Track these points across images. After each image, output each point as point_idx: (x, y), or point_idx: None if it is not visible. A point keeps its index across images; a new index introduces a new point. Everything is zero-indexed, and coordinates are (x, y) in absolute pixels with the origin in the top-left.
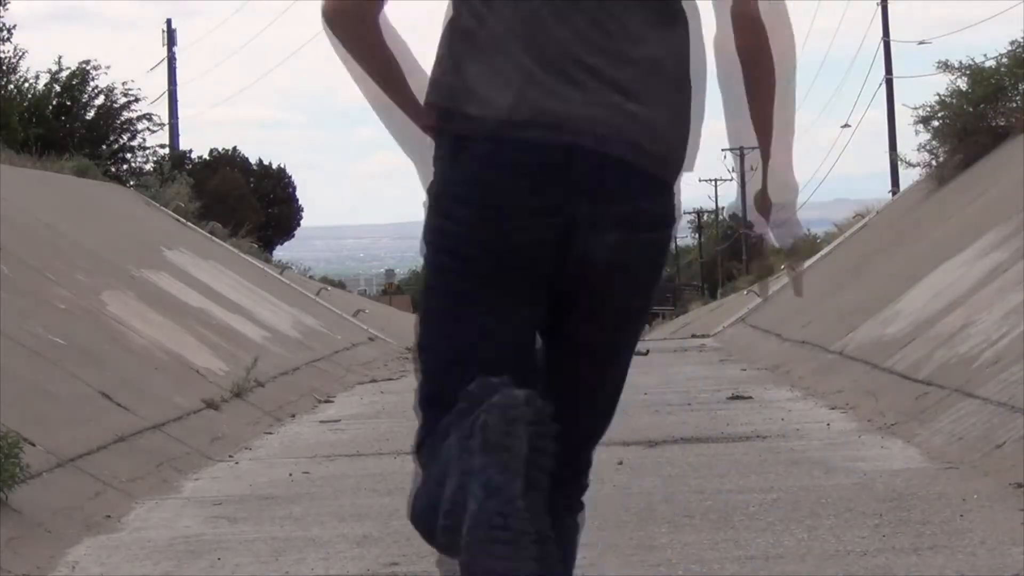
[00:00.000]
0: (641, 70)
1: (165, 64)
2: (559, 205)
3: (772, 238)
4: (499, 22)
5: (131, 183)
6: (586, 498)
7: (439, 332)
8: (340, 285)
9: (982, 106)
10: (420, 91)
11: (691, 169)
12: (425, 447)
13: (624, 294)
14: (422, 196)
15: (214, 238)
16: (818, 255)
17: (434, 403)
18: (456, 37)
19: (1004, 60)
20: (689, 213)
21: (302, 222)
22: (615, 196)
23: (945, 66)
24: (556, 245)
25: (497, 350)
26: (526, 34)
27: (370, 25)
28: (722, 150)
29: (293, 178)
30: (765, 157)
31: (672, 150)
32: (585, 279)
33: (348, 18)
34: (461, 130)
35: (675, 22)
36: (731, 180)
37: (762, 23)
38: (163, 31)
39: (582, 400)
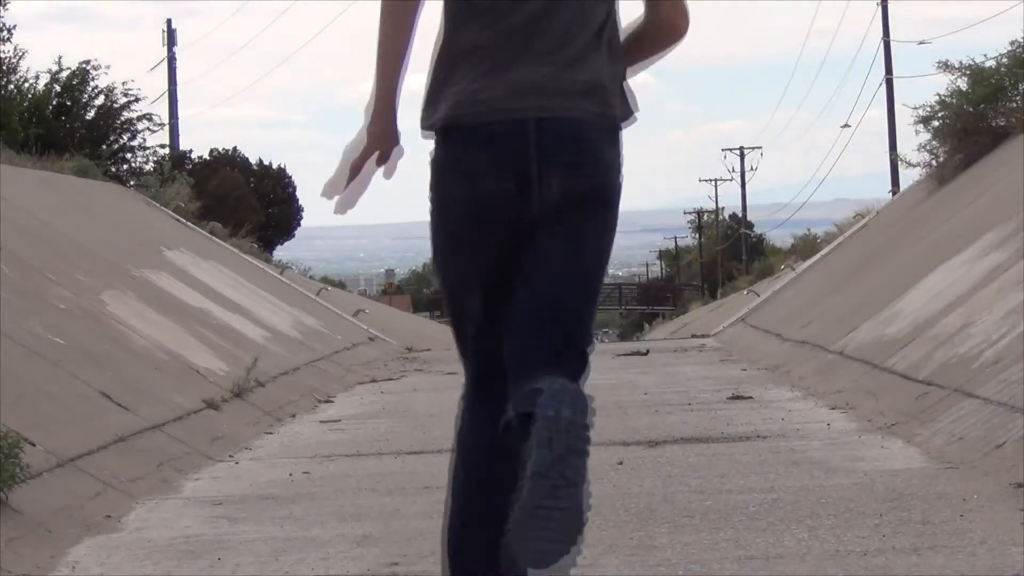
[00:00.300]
0: (570, 42)
1: (165, 64)
2: (515, 164)
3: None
4: (457, 33)
5: (131, 183)
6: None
7: (444, 276)
8: (340, 285)
9: (982, 106)
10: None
11: (636, 109)
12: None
13: (579, 216)
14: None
15: (214, 238)
16: (818, 255)
17: (458, 332)
18: (438, 56)
19: (1004, 60)
20: (689, 213)
21: (302, 222)
22: (556, 153)
23: (945, 66)
24: (514, 197)
25: (485, 288)
26: (476, 36)
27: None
28: (722, 150)
29: (293, 178)
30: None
31: (603, 105)
32: (545, 215)
33: None
34: (444, 123)
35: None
36: (731, 180)
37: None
38: (163, 31)
39: (556, 303)
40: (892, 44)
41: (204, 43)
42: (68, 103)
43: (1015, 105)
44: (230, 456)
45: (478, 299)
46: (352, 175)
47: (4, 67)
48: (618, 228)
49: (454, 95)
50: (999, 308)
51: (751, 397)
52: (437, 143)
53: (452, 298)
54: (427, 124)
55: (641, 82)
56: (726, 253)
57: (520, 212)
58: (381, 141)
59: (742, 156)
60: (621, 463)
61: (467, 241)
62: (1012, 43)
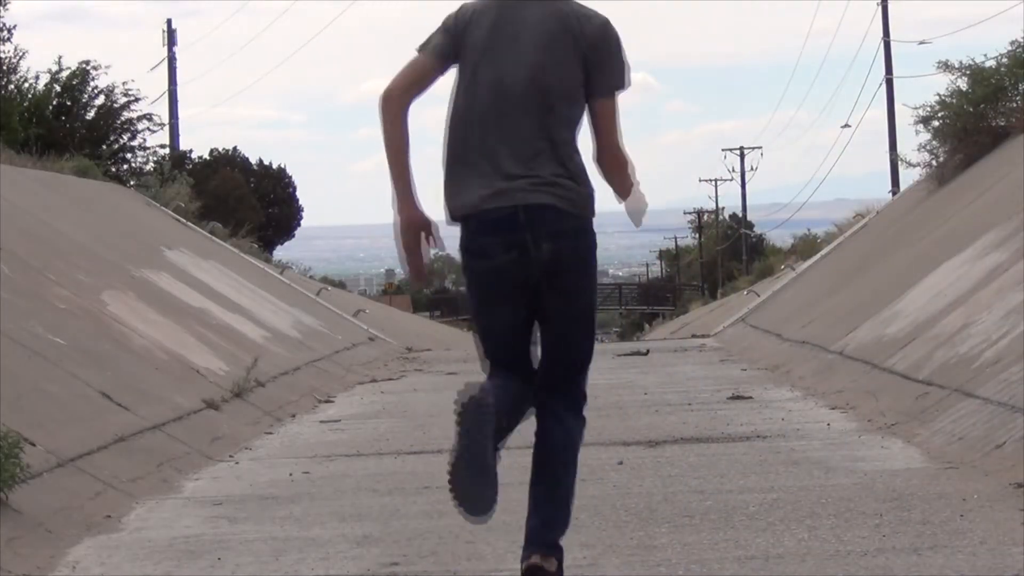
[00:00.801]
0: (545, 158)
1: (165, 64)
2: (515, 239)
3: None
4: (461, 147)
5: (131, 183)
6: (587, 498)
7: (476, 321)
8: (340, 285)
9: (982, 106)
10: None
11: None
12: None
13: (568, 278)
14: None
15: (214, 238)
16: (818, 255)
17: (487, 356)
18: (449, 163)
19: (1004, 60)
20: (689, 213)
21: (302, 222)
22: (543, 226)
23: (945, 66)
24: (521, 261)
25: (505, 329)
26: (477, 151)
27: (405, 112)
28: (722, 150)
29: (293, 178)
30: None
31: (574, 198)
32: (544, 275)
33: (395, 103)
34: (464, 213)
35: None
36: (731, 180)
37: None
38: (163, 31)
39: (564, 343)
40: (892, 44)
41: (204, 43)
42: (68, 103)
43: (1015, 105)
44: (230, 456)
45: (506, 329)
46: (413, 253)
47: (4, 67)
48: (618, 228)
49: (468, 198)
50: (999, 308)
51: (751, 397)
52: (463, 231)
53: (485, 332)
54: (455, 216)
55: (641, 82)
56: (726, 253)
57: (522, 273)
58: (417, 226)
59: (742, 156)
60: (621, 463)
61: (486, 292)
62: (1012, 43)
